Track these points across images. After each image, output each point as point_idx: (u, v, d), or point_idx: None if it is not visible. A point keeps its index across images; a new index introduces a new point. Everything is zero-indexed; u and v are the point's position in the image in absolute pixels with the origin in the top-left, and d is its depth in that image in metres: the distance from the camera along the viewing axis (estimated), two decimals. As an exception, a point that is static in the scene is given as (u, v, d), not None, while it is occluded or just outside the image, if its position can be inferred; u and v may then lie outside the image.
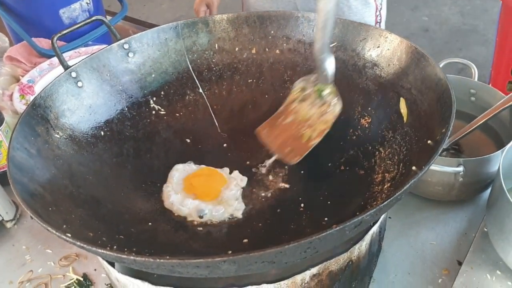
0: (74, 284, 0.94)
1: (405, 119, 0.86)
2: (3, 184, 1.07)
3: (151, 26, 1.83)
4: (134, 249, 0.75)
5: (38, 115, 0.85)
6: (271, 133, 0.96)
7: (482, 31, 3.47)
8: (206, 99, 1.06)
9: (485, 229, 0.93)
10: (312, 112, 0.92)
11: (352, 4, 1.40)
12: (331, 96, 0.91)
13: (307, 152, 0.90)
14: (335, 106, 0.90)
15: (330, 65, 0.87)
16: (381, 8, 1.46)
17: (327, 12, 0.79)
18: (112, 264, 0.78)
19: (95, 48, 1.46)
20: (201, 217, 0.85)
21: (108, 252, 0.57)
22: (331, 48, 0.87)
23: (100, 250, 0.57)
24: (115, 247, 0.73)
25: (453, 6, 3.79)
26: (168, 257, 0.54)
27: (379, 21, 1.47)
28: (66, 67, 0.93)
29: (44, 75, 1.37)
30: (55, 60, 1.41)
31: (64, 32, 0.94)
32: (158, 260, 0.55)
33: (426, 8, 3.80)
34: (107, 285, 0.94)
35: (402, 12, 3.74)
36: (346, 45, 0.98)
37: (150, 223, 0.85)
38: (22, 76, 1.38)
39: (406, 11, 3.75)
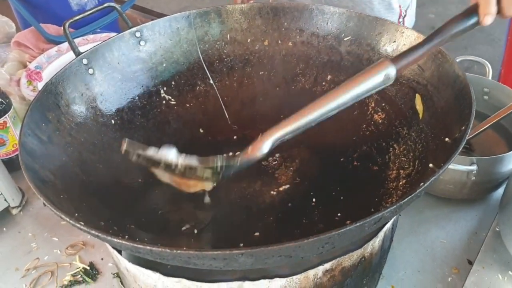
0: (81, 272, 0.94)
1: (420, 115, 0.84)
2: (9, 170, 1.06)
3: (158, 15, 1.82)
4: (145, 239, 0.74)
5: (49, 101, 0.84)
6: None
7: (489, 30, 3.45)
8: (216, 90, 1.05)
9: (497, 229, 0.92)
10: None
11: (375, 6, 1.36)
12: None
13: None
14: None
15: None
16: (405, 15, 1.41)
17: None
18: (120, 253, 0.77)
19: (104, 35, 1.44)
20: None
21: (124, 242, 0.56)
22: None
23: (115, 240, 0.56)
24: (126, 236, 0.72)
25: (460, 4, 3.77)
26: (185, 248, 0.53)
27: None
28: (77, 54, 0.92)
29: (52, 62, 1.35)
30: (63, 46, 1.39)
31: (76, 18, 0.93)
32: (175, 251, 0.54)
33: (433, 6, 3.78)
34: (113, 274, 0.94)
35: (408, 9, 3.72)
36: (361, 39, 0.97)
37: (160, 214, 0.84)
38: (30, 62, 1.37)
39: (412, 8, 3.73)
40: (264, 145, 0.73)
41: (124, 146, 0.75)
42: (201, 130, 1.02)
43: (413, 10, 1.46)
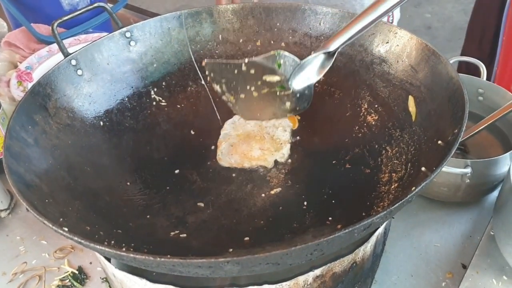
0: (69, 277, 0.92)
1: (413, 117, 0.83)
2: (-2, 172, 1.05)
3: (152, 15, 1.81)
4: (132, 244, 0.72)
5: (36, 103, 0.83)
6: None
7: (485, 30, 3.44)
8: (208, 91, 1.04)
9: (492, 233, 0.91)
10: None
11: (365, 2, 1.36)
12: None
13: None
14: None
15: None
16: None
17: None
18: (108, 259, 0.75)
19: (96, 35, 1.43)
20: None
21: (106, 249, 0.54)
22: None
23: (98, 246, 0.55)
24: (112, 242, 0.71)
25: (456, 4, 3.77)
26: (169, 256, 0.52)
27: (391, 21, 1.44)
28: (66, 55, 0.91)
29: (43, 62, 1.34)
30: (54, 47, 1.38)
31: (65, 18, 0.91)
32: (159, 259, 0.52)
33: (429, 5, 3.77)
34: (102, 279, 0.92)
35: (405, 8, 3.71)
36: (354, 40, 0.95)
37: (148, 218, 0.82)
38: (20, 63, 1.35)
39: (409, 8, 3.72)
40: (333, 43, 0.77)
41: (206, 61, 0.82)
42: (192, 132, 1.00)
43: None
